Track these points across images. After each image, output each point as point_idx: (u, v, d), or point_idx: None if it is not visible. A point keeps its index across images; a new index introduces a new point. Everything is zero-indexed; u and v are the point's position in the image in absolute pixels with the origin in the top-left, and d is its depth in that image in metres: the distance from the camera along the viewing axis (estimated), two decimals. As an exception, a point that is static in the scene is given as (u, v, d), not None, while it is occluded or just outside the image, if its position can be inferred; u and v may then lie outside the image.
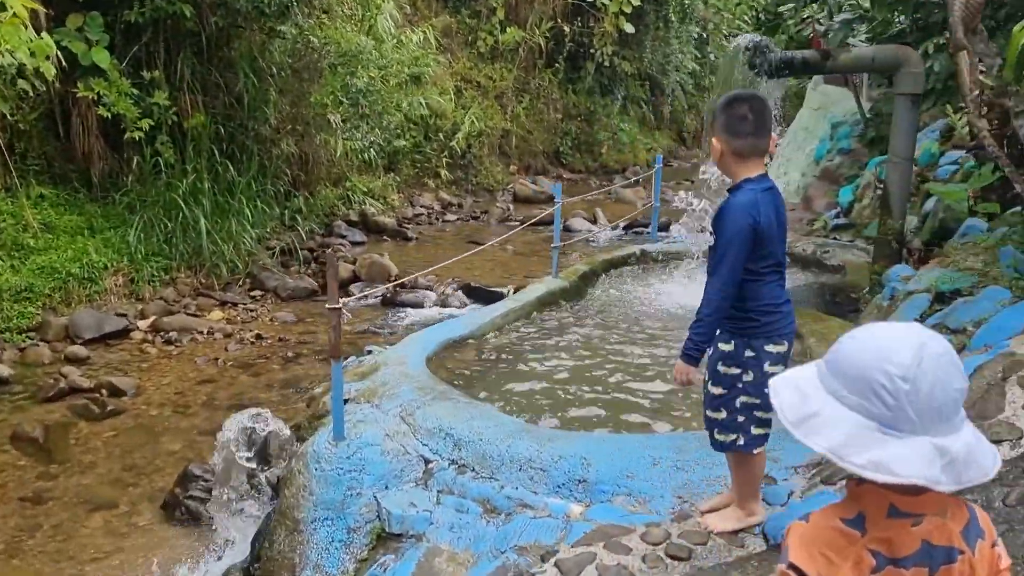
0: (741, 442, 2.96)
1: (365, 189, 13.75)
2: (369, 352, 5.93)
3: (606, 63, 19.36)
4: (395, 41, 13.93)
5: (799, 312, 6.47)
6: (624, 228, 14.45)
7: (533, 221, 10.90)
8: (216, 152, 10.33)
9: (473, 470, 4.11)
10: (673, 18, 20.43)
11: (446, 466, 4.19)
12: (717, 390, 2.98)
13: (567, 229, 14.62)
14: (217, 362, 8.01)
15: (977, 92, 4.42)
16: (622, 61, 19.86)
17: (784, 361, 2.90)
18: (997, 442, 3.08)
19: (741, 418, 2.94)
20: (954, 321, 4.08)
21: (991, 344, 3.69)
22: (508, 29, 17.71)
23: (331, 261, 4.20)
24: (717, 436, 3.02)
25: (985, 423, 3.16)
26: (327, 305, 4.23)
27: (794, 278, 7.60)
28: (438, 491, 4.10)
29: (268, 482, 4.72)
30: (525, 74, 18.45)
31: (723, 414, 2.97)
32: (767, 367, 2.84)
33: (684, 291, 7.20)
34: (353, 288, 10.73)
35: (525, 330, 6.33)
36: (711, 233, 2.90)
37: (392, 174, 14.74)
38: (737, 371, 2.91)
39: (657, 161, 8.87)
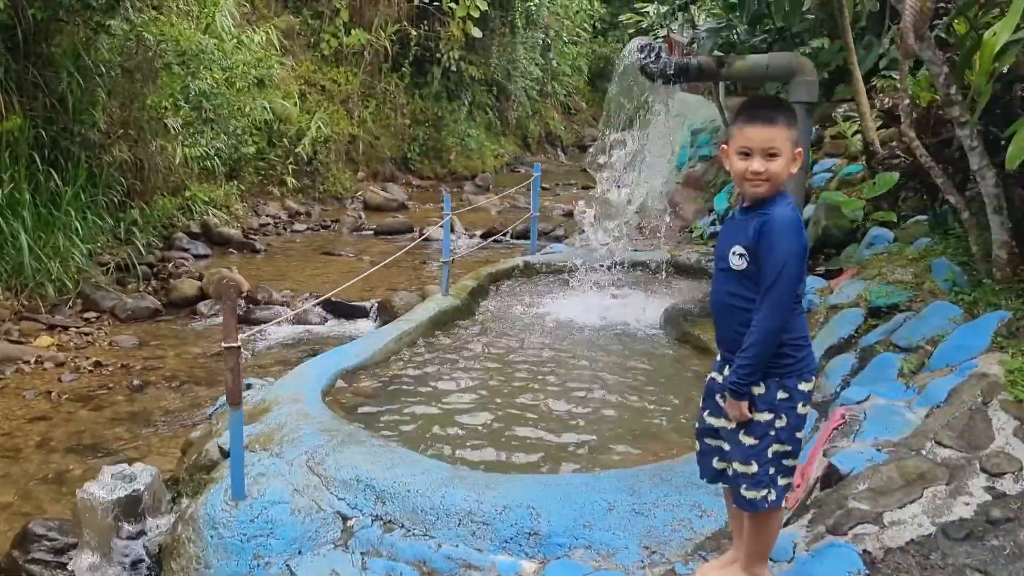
0: (773, 496, 2.59)
1: (206, 199, 12.74)
2: (248, 387, 5.24)
3: (453, 68, 19.01)
4: (235, 41, 12.99)
5: (705, 324, 6.36)
6: (482, 236, 14.15)
7: (422, 237, 10.34)
8: (37, 159, 9.20)
9: (403, 527, 3.59)
10: (519, 23, 20.32)
11: (369, 523, 3.65)
12: (749, 440, 2.60)
13: (424, 238, 14.17)
14: (50, 395, 7.04)
15: (908, 102, 4.32)
16: (469, 66, 19.57)
17: (811, 399, 2.63)
18: (998, 475, 2.90)
19: (772, 469, 2.58)
20: (903, 339, 3.94)
21: (954, 364, 3.55)
22: (352, 31, 17.03)
23: (225, 292, 3.55)
24: (745, 493, 2.61)
25: (981, 454, 2.97)
26: (223, 343, 3.59)
27: (680, 288, 7.48)
28: (362, 553, 3.56)
29: (148, 553, 3.99)
30: (371, 78, 17.81)
31: (754, 467, 2.59)
32: (800, 409, 2.56)
33: (582, 306, 6.91)
34: (201, 307, 9.88)
35: (423, 354, 5.82)
36: (741, 253, 2.52)
37: (235, 182, 13.76)
38: (770, 416, 2.56)
39: (535, 170, 8.57)
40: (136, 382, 7.51)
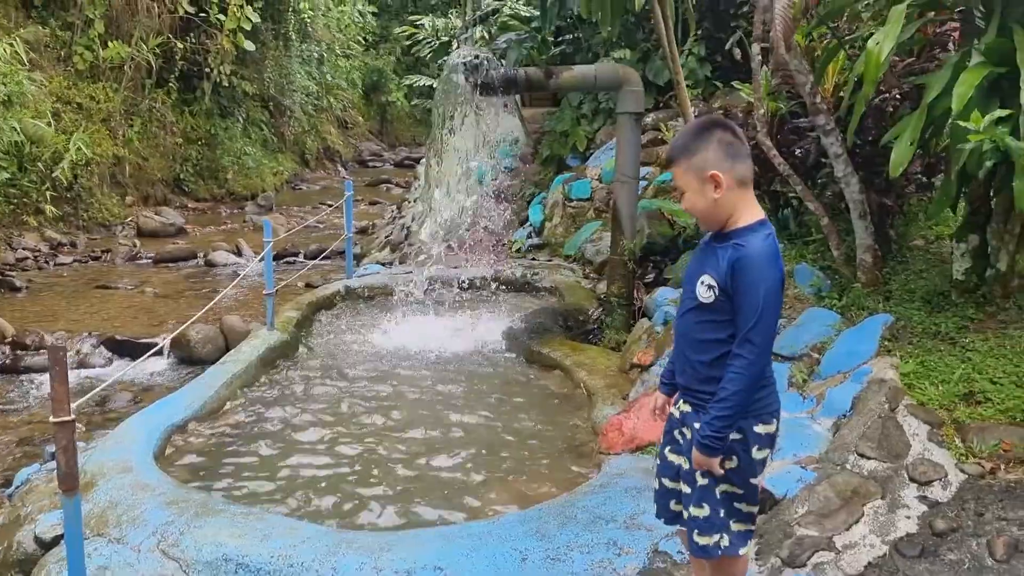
0: (726, 542, 2.36)
1: (-52, 233, 11.12)
2: (53, 455, 4.44)
3: (224, 83, 17.90)
4: (-28, 53, 11.46)
5: (553, 341, 6.19)
6: (275, 259, 13.37)
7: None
8: None
9: (291, 609, 3.10)
10: (293, 36, 19.49)
11: (249, 610, 3.13)
12: (701, 480, 2.39)
13: (209, 263, 13.20)
14: None
15: (764, 111, 4.35)
16: (241, 81, 18.53)
17: (772, 443, 2.39)
18: (927, 483, 2.89)
19: (722, 511, 2.37)
20: (786, 348, 3.92)
21: (846, 370, 3.56)
22: (110, 44, 15.58)
23: (52, 353, 2.90)
24: (698, 539, 2.40)
25: (905, 463, 2.96)
26: (52, 418, 2.93)
27: (512, 305, 7.30)
28: (246, 647, 3.04)
29: None
30: (134, 95, 16.38)
31: (705, 510, 2.38)
32: (755, 452, 2.34)
33: (417, 331, 6.53)
34: (-43, 357, 8.54)
35: (259, 398, 5.22)
36: (710, 286, 2.28)
37: (-19, 213, 12.13)
38: (720, 456, 2.36)
39: (347, 188, 8.09)
40: None
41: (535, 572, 3.16)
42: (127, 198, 15.84)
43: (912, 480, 2.88)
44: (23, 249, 12.78)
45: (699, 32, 8.21)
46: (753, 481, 2.37)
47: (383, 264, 10.76)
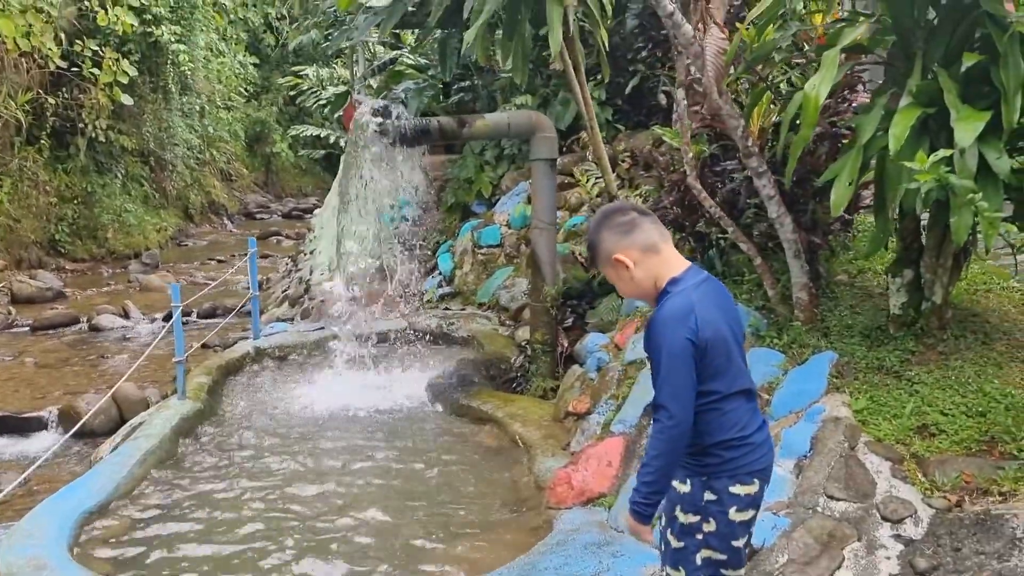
0: None
1: None
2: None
3: (101, 138, 17.19)
4: None
5: (482, 393, 6.05)
6: (164, 319, 12.79)
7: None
8: None
9: None
10: (173, 89, 18.90)
11: None
12: (675, 542, 2.35)
13: (93, 328, 12.50)
14: None
15: (692, 155, 4.38)
16: (119, 136, 17.81)
17: (755, 504, 2.33)
18: (899, 521, 2.89)
19: None
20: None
21: (798, 410, 3.57)
22: (-25, 100, 14.75)
23: None
24: None
25: (874, 502, 2.95)
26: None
27: (431, 356, 7.13)
28: None
29: None
30: (2, 154, 15.52)
31: (681, 573, 2.32)
32: (733, 514, 2.28)
33: (336, 391, 6.27)
34: None
35: (177, 475, 4.86)
36: (647, 358, 2.31)
37: None
38: (696, 519, 2.31)
39: (251, 245, 7.78)
40: None
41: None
42: (-2, 263, 14.90)
43: (884, 519, 2.88)
44: None
45: (598, 77, 8.33)
46: (735, 544, 2.31)
47: (285, 320, 10.42)
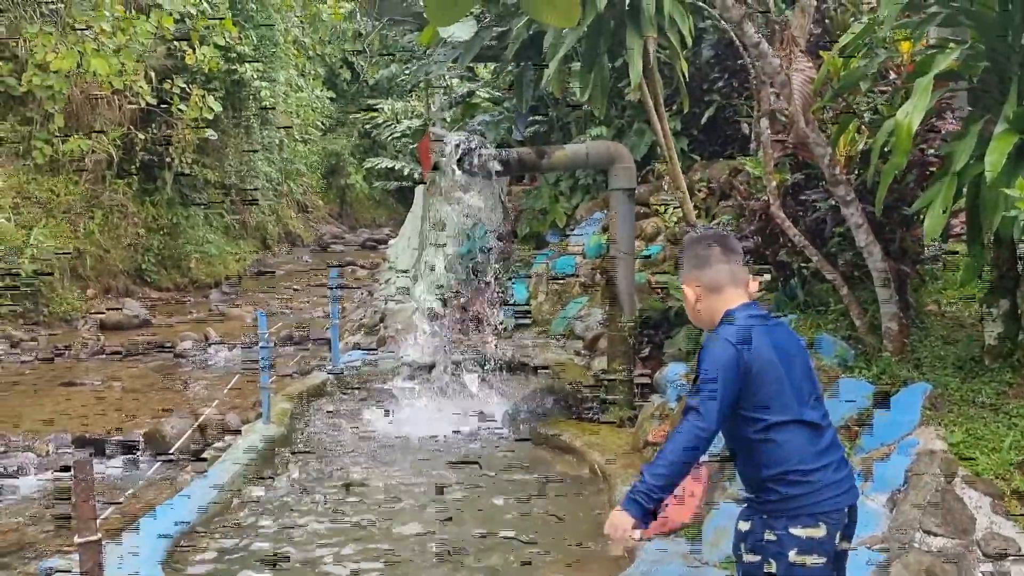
0: None
1: (-96, 335, 10.71)
2: (49, 572, 4.17)
3: (186, 171, 17.80)
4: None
5: (560, 423, 6.05)
6: (243, 347, 13.10)
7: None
8: None
9: None
10: (254, 123, 19.51)
11: None
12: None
13: (177, 355, 12.88)
14: None
15: (775, 184, 4.36)
16: (203, 169, 18.42)
17: (823, 550, 2.26)
18: (999, 558, 2.80)
19: None
20: (821, 421, 3.85)
21: (889, 442, 3.49)
22: (70, 137, 15.41)
23: (80, 469, 2.71)
24: None
25: (974, 539, 2.87)
26: (77, 539, 2.73)
27: (508, 384, 7.16)
28: None
29: None
30: (94, 187, 16.17)
31: None
32: (793, 556, 2.23)
33: (417, 418, 6.35)
34: (-84, 466, 8.11)
35: (264, 497, 4.98)
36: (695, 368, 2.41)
37: (-62, 313, 11.73)
38: (757, 559, 2.31)
39: (332, 275, 7.95)
40: None
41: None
42: (88, 291, 15.48)
43: (985, 556, 2.80)
44: (-19, 349, 12.37)
45: (673, 107, 8.34)
46: None
47: (361, 348, 10.58)
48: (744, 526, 2.36)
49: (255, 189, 21.08)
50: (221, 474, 5.01)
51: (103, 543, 2.77)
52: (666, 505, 2.54)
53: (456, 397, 6.79)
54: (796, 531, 2.23)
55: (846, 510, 2.32)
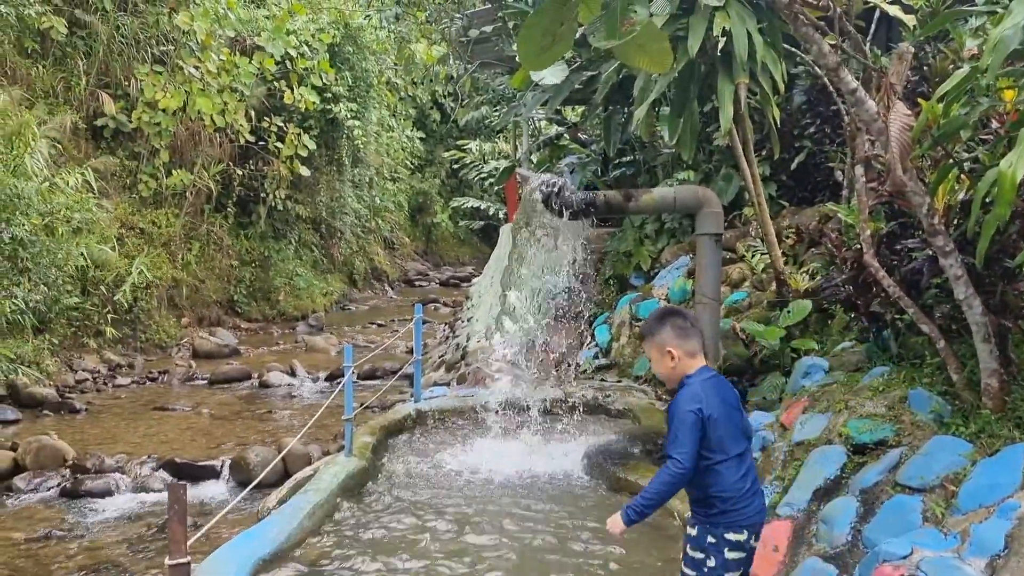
0: None
1: (12, 356, 11.23)
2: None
3: (279, 207, 18.38)
4: (47, 184, 11.82)
5: (639, 467, 5.98)
6: (326, 380, 13.34)
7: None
8: None
9: None
10: (346, 161, 20.06)
11: None
12: (689, 571, 3.12)
13: (263, 384, 13.19)
14: None
15: (869, 233, 4.27)
16: (296, 204, 18.99)
17: (744, 548, 3.06)
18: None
19: None
20: (914, 479, 3.71)
21: (989, 504, 3.34)
22: (174, 172, 16.10)
23: (173, 493, 2.80)
24: None
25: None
26: (167, 560, 2.80)
27: (588, 427, 7.10)
28: None
29: None
30: (193, 219, 16.83)
31: None
32: (727, 553, 3.02)
33: (494, 457, 6.35)
34: (18, 481, 8.49)
35: (342, 530, 5.04)
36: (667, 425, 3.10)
37: (44, 335, 12.27)
38: (701, 555, 3.07)
39: (417, 311, 8.06)
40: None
41: None
42: (183, 319, 16.04)
43: (1092, 630, 2.64)
44: (83, 371, 12.89)
45: (763, 152, 8.25)
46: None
47: (441, 384, 10.65)
48: (692, 531, 3.16)
49: (344, 225, 21.58)
50: (303, 504, 5.08)
51: (192, 565, 2.84)
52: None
53: (534, 438, 6.76)
54: (729, 536, 3.03)
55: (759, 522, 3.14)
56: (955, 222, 4.00)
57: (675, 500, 5.11)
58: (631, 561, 4.66)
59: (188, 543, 2.86)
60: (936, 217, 3.73)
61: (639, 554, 4.75)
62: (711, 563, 3.06)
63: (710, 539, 3.06)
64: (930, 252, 4.08)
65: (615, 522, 3.05)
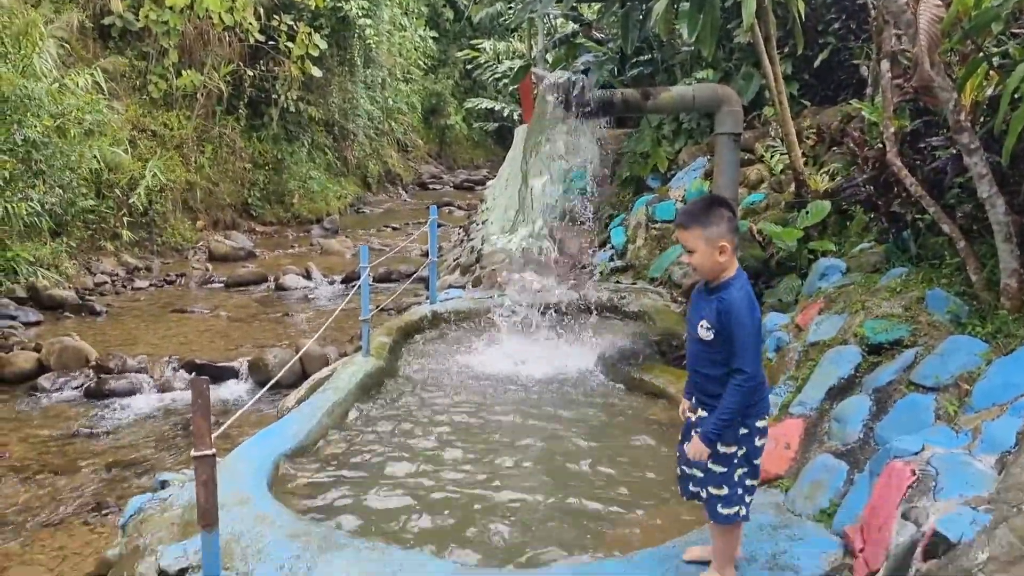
0: (743, 513, 3.10)
1: (32, 258, 11.32)
2: (164, 484, 4.41)
3: (291, 108, 18.14)
4: (57, 85, 11.67)
5: (654, 368, 6.04)
6: (343, 282, 13.42)
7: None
8: None
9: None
10: (359, 62, 19.70)
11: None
12: (719, 468, 3.10)
13: (279, 287, 13.30)
14: None
15: (893, 130, 4.17)
16: (308, 106, 18.74)
17: (766, 434, 3.14)
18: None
19: (740, 491, 3.09)
20: (928, 378, 3.72)
21: (1002, 403, 3.35)
22: (183, 73, 15.87)
23: (196, 387, 2.84)
24: (721, 511, 3.09)
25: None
26: (193, 452, 2.86)
27: (604, 329, 7.14)
28: None
29: None
30: (205, 122, 16.66)
31: (725, 490, 3.08)
32: (757, 441, 3.09)
33: (510, 356, 6.42)
34: (43, 381, 8.68)
35: (360, 427, 5.14)
36: (707, 328, 3.00)
37: (62, 239, 12.34)
38: (735, 448, 3.06)
39: (432, 212, 8.02)
40: (-26, 478, 6.41)
41: (684, 617, 3.00)
42: (198, 223, 16.08)
43: (1100, 523, 2.67)
44: (101, 274, 13.01)
45: (785, 49, 8.02)
46: (756, 462, 3.13)
47: (456, 287, 10.70)
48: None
49: (357, 127, 21.34)
50: (322, 402, 5.17)
51: (216, 458, 2.90)
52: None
53: (548, 339, 6.81)
54: (759, 423, 3.07)
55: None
56: (982, 119, 3.90)
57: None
58: (645, 454, 4.74)
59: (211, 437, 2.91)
60: (963, 113, 3.63)
61: (653, 447, 4.83)
62: (741, 452, 3.06)
63: (743, 430, 3.04)
64: (954, 150, 4.00)
65: (698, 448, 3.02)
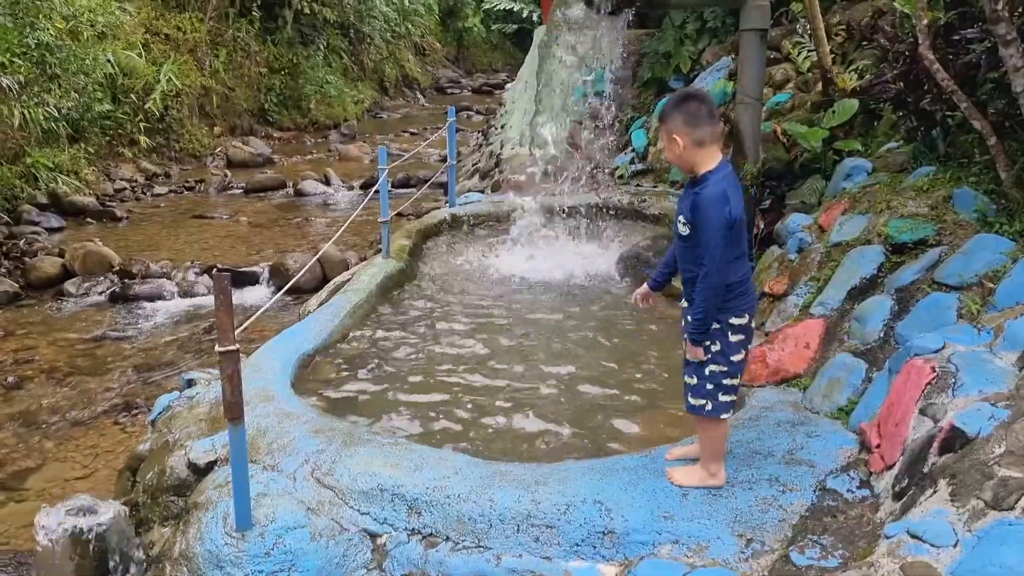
0: (709, 407, 3.11)
1: (51, 164, 11.33)
2: (191, 383, 4.49)
3: (306, 10, 17.78)
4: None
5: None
6: (361, 188, 13.39)
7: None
8: None
9: (448, 539, 3.06)
10: (374, -40, 19.23)
11: (405, 539, 3.09)
12: (692, 357, 3.16)
13: (298, 193, 13.29)
14: (-91, 410, 6.07)
15: (926, 22, 4.03)
16: (323, 8, 18.36)
17: (745, 331, 3.09)
18: None
19: (710, 385, 3.10)
20: (952, 277, 3.68)
21: (1025, 301, 3.33)
22: (195, -29, 15.55)
23: (217, 282, 2.85)
24: (691, 400, 3.17)
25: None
26: (217, 347, 2.90)
27: (623, 232, 7.12)
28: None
29: (129, 606, 3.27)
30: (219, 24, 16.37)
31: (694, 380, 3.14)
32: (731, 337, 3.06)
33: (529, 259, 6.42)
34: (68, 286, 8.82)
35: (381, 327, 5.19)
36: (684, 223, 3.02)
37: (80, 145, 12.32)
38: (707, 342, 3.08)
39: (450, 114, 7.90)
40: (10, 379, 6.57)
41: (697, 507, 3.05)
42: (215, 129, 15.98)
43: (1120, 419, 2.68)
44: (120, 180, 13.04)
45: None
46: (735, 359, 3.09)
47: (475, 191, 10.64)
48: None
49: (373, 30, 20.94)
50: (343, 303, 5.21)
51: (240, 353, 2.93)
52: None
53: (568, 242, 6.80)
54: (732, 320, 3.04)
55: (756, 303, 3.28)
56: (1020, 10, 3.75)
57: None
58: (664, 355, 4.78)
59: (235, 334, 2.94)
60: (1000, 3, 3.50)
61: (672, 349, 4.86)
62: (715, 348, 3.06)
63: (715, 325, 3.03)
64: (989, 43, 3.86)
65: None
